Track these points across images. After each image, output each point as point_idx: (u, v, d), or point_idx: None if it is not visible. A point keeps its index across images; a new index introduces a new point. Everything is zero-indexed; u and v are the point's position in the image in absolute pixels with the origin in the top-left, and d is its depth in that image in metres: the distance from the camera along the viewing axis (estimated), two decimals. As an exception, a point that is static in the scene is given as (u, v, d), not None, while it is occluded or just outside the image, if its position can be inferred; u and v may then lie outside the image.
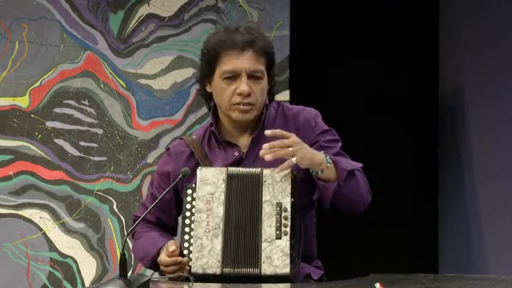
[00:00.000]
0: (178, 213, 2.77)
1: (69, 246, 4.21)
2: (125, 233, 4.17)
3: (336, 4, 4.74)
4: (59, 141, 4.22)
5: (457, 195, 4.54)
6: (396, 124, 4.74)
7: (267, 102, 2.76)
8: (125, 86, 4.27)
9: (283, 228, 2.49)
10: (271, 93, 2.77)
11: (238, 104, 2.66)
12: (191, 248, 2.52)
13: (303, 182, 2.59)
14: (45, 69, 4.23)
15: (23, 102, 4.21)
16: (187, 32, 4.31)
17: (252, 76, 2.66)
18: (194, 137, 2.80)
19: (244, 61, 2.65)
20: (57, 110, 4.23)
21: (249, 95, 2.65)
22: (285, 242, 2.47)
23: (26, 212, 4.19)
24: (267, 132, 2.56)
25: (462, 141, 4.49)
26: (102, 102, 4.26)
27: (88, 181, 4.23)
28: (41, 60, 4.23)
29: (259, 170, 2.56)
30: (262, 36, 2.69)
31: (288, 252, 2.46)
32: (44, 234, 4.20)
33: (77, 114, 4.24)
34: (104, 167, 4.24)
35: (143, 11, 4.30)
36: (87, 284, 4.18)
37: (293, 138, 2.53)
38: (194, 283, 2.39)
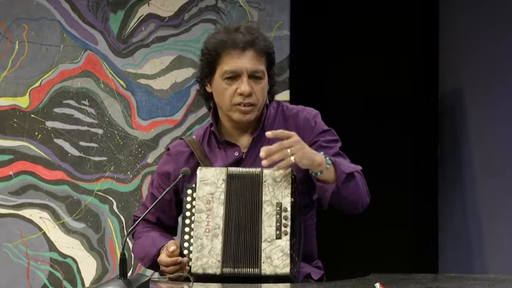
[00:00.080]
0: (178, 213, 2.78)
1: (69, 246, 4.21)
2: (125, 233, 4.17)
3: (336, 4, 4.75)
4: (59, 141, 4.22)
5: (457, 195, 4.54)
6: (396, 124, 4.74)
7: (267, 102, 2.75)
8: (125, 86, 4.27)
9: (283, 228, 2.49)
10: (271, 93, 2.76)
11: (239, 104, 2.65)
12: (191, 248, 2.52)
13: (303, 182, 2.59)
14: (45, 69, 4.23)
15: (23, 102, 4.21)
16: (187, 32, 4.31)
17: (253, 76, 2.66)
18: (194, 137, 2.80)
19: (245, 61, 2.65)
20: (57, 110, 4.23)
21: (249, 95, 2.65)
22: (285, 242, 2.47)
23: (26, 212, 4.19)
24: (268, 133, 2.55)
25: (462, 141, 4.49)
26: (102, 102, 4.26)
27: (88, 181, 4.23)
28: (41, 60, 4.23)
29: (259, 170, 2.56)
30: (262, 36, 2.69)
31: (288, 252, 2.46)
32: (44, 234, 4.20)
33: (77, 114, 4.24)
34: (104, 167, 4.24)
35: (143, 11, 4.30)
36: (87, 284, 4.18)
37: (294, 138, 2.53)
38: (194, 283, 2.39)
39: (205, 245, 2.49)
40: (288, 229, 2.49)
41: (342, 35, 4.72)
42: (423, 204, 4.80)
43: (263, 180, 2.54)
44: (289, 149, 2.50)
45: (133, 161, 4.25)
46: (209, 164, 2.70)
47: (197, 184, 2.57)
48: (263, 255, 2.46)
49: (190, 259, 2.51)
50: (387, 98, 4.73)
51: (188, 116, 4.29)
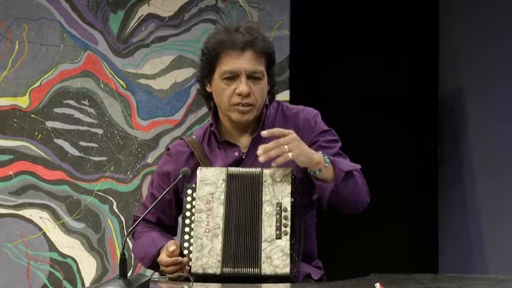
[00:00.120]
0: (178, 213, 2.78)
1: (69, 246, 4.21)
2: (125, 233, 4.17)
3: (336, 4, 4.75)
4: (59, 141, 4.22)
5: (457, 195, 4.54)
6: (396, 124, 4.73)
7: (267, 102, 2.75)
8: (125, 86, 4.27)
9: (283, 228, 2.49)
10: (271, 93, 2.77)
11: (237, 104, 2.65)
12: (191, 248, 2.52)
13: (303, 182, 2.59)
14: (45, 69, 4.23)
15: (23, 102, 4.21)
16: (187, 32, 4.31)
17: (252, 77, 2.66)
18: (194, 137, 2.80)
19: (244, 61, 2.65)
20: (57, 110, 4.23)
21: (248, 95, 2.65)
22: (285, 242, 2.47)
23: (26, 212, 4.19)
24: (264, 133, 2.55)
25: (462, 141, 4.49)
26: (102, 102, 4.26)
27: (88, 181, 4.23)
28: (41, 60, 4.23)
29: (259, 170, 2.56)
30: (262, 37, 2.69)
31: (288, 252, 2.46)
32: (44, 234, 4.20)
33: (77, 114, 4.24)
34: (104, 167, 4.24)
35: (143, 11, 4.30)
36: (87, 284, 4.18)
37: (291, 135, 2.53)
38: (194, 283, 2.39)
39: (205, 245, 2.49)
40: (288, 229, 2.49)
41: (342, 35, 4.72)
42: (423, 204, 4.80)
43: (263, 180, 2.54)
44: (287, 146, 2.50)
45: (133, 161, 4.25)
46: (209, 164, 2.70)
47: (197, 184, 2.57)
48: (263, 255, 2.46)
49: (190, 259, 2.51)
50: (387, 98, 4.73)
51: (188, 116, 4.29)
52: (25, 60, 4.22)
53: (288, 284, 2.47)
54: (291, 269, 2.45)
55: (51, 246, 4.20)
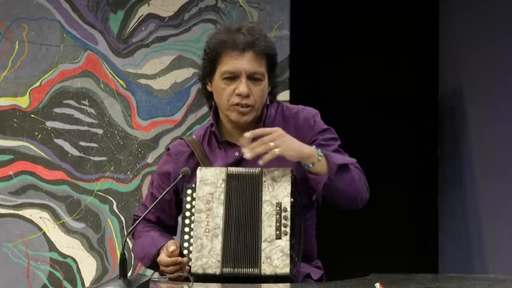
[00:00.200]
0: (178, 212, 2.78)
1: (69, 246, 4.21)
2: (125, 233, 4.17)
3: (336, 4, 4.75)
4: (59, 141, 4.22)
5: (457, 195, 4.54)
6: (396, 124, 4.74)
7: (268, 102, 2.76)
8: (125, 86, 4.27)
9: (283, 228, 2.49)
10: (272, 93, 2.77)
11: (237, 104, 2.65)
12: (191, 248, 2.52)
13: (303, 181, 2.59)
14: (45, 69, 4.23)
15: (23, 102, 4.21)
16: (187, 32, 4.31)
17: (252, 77, 2.66)
18: (194, 137, 2.80)
19: (244, 62, 2.65)
20: (57, 110, 4.23)
21: (247, 96, 2.65)
22: (285, 242, 2.47)
23: (26, 212, 4.19)
24: (246, 134, 2.56)
25: (462, 141, 4.49)
26: (102, 102, 4.26)
27: (88, 181, 4.23)
28: (41, 60, 4.23)
29: (259, 170, 2.56)
30: (264, 38, 2.69)
31: (288, 252, 2.46)
32: (44, 234, 4.20)
33: (77, 114, 4.24)
34: (104, 167, 4.24)
35: (143, 11, 4.30)
36: (87, 284, 4.18)
37: (276, 133, 2.54)
38: (194, 283, 2.39)
39: (205, 245, 2.49)
40: (288, 229, 2.48)
41: (342, 35, 4.72)
42: (423, 204, 4.80)
43: (263, 180, 2.54)
44: (273, 143, 2.50)
45: (133, 161, 4.25)
46: (209, 164, 2.70)
47: (197, 184, 2.57)
48: (263, 255, 2.46)
49: (190, 259, 2.51)
50: (387, 98, 4.73)
51: (188, 116, 4.29)
52: (25, 60, 4.22)
53: (288, 284, 2.47)
54: (290, 269, 2.45)
55: (51, 246, 4.20)
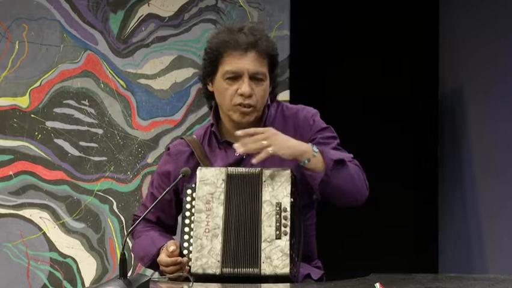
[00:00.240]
0: (178, 212, 2.78)
1: (69, 246, 4.21)
2: (125, 233, 4.17)
3: (336, 4, 4.74)
4: (59, 141, 4.22)
5: (457, 195, 4.54)
6: (396, 124, 4.73)
7: (269, 102, 2.76)
8: (125, 86, 4.27)
9: (283, 228, 2.49)
10: (273, 94, 2.77)
11: (239, 104, 2.65)
12: (191, 248, 2.52)
13: (303, 181, 2.59)
14: (45, 69, 4.23)
15: (23, 102, 4.21)
16: (187, 32, 4.31)
17: (254, 78, 2.66)
18: (194, 136, 2.80)
19: (247, 62, 2.65)
20: (57, 110, 4.23)
21: (250, 96, 2.65)
22: (284, 242, 2.47)
23: (26, 212, 4.19)
24: (238, 132, 2.57)
25: (462, 141, 4.49)
26: (102, 102, 4.26)
27: (88, 181, 4.23)
28: (41, 60, 4.23)
29: (258, 170, 2.56)
30: (266, 38, 2.69)
31: (288, 252, 2.46)
32: (44, 234, 4.20)
33: (77, 114, 4.24)
34: (104, 167, 4.24)
35: (143, 11, 4.30)
36: (87, 284, 4.18)
37: (268, 131, 2.55)
38: (194, 283, 2.39)
39: (204, 245, 2.49)
40: (288, 229, 2.48)
41: (342, 35, 4.72)
42: (423, 204, 4.80)
43: (263, 180, 2.54)
44: (265, 141, 2.51)
45: (133, 161, 4.25)
46: (209, 164, 2.70)
47: (197, 184, 2.57)
48: (263, 255, 2.46)
49: (190, 259, 2.51)
50: (387, 98, 4.73)
51: (188, 116, 4.29)
52: (25, 60, 4.22)
53: (288, 284, 2.47)
54: (290, 269, 2.45)
55: (51, 246, 4.20)
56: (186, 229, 2.56)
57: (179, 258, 2.53)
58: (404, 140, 4.76)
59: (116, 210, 4.23)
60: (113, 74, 4.27)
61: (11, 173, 4.20)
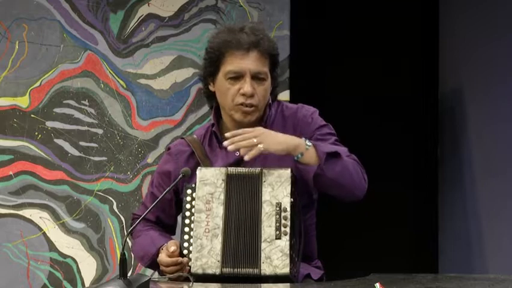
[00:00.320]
0: (177, 212, 2.78)
1: (69, 246, 4.21)
2: (125, 233, 4.17)
3: (336, 4, 4.74)
4: (59, 141, 4.22)
5: (457, 195, 4.54)
6: (396, 124, 4.73)
7: (270, 102, 2.76)
8: (125, 86, 4.27)
9: (282, 228, 2.49)
10: (274, 93, 2.77)
11: (241, 104, 2.66)
12: (191, 248, 2.52)
13: (303, 181, 2.59)
14: (45, 69, 4.23)
15: (23, 102, 4.21)
16: (187, 32, 4.31)
17: (256, 77, 2.66)
18: (195, 136, 2.80)
19: (249, 62, 2.65)
20: (57, 110, 4.23)
21: (252, 96, 2.65)
22: (284, 242, 2.47)
23: (26, 212, 4.19)
24: (227, 134, 2.59)
25: (462, 141, 4.49)
26: (102, 102, 4.26)
27: (88, 181, 4.23)
28: (41, 60, 4.23)
29: (258, 170, 2.56)
30: (267, 38, 2.70)
31: (288, 252, 2.46)
32: (44, 234, 4.20)
33: (77, 114, 4.24)
34: (104, 167, 4.24)
35: (143, 11, 4.30)
36: (87, 284, 4.18)
37: (257, 130, 2.56)
38: (194, 283, 2.39)
39: (204, 245, 2.49)
40: (288, 229, 2.48)
41: (342, 35, 4.72)
42: (423, 204, 4.79)
43: (263, 180, 2.54)
44: (255, 139, 2.52)
45: (133, 161, 4.25)
46: (209, 163, 2.70)
47: (197, 184, 2.57)
48: (263, 255, 2.46)
49: (190, 259, 2.51)
50: (387, 98, 4.73)
51: (188, 116, 4.29)
52: (25, 60, 4.22)
53: (288, 284, 2.47)
54: (290, 269, 2.45)
55: (51, 246, 4.20)
56: (186, 229, 2.56)
57: (180, 259, 2.53)
58: (404, 140, 4.76)
59: (116, 210, 4.23)
60: (113, 74, 4.27)
61: (11, 173, 4.20)
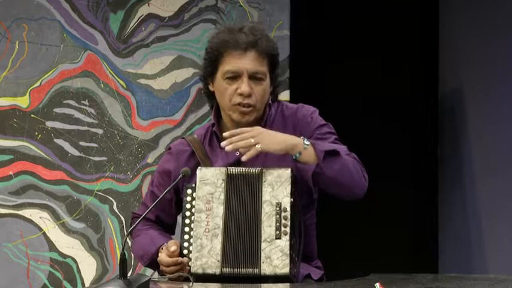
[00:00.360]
0: (178, 211, 2.78)
1: (69, 246, 4.21)
2: (125, 233, 4.17)
3: (336, 4, 4.75)
4: (59, 141, 4.22)
5: (457, 195, 4.54)
6: (396, 124, 4.73)
7: (270, 102, 2.76)
8: (125, 86, 4.27)
9: (282, 228, 2.49)
10: (274, 93, 2.77)
11: (238, 104, 2.66)
12: (191, 248, 2.52)
13: (303, 181, 2.59)
14: (45, 69, 4.23)
15: (23, 102, 4.21)
16: (187, 32, 4.31)
17: (254, 77, 2.66)
18: (195, 136, 2.81)
19: (246, 62, 2.65)
20: (57, 110, 4.23)
21: (249, 95, 2.65)
22: (284, 242, 2.47)
23: (26, 212, 4.19)
24: (225, 134, 2.58)
25: (462, 141, 4.49)
26: (102, 102, 4.26)
27: (88, 181, 4.23)
28: (41, 60, 4.23)
29: (259, 170, 2.56)
30: (266, 38, 2.69)
31: (288, 252, 2.46)
32: (44, 234, 4.20)
33: (77, 114, 4.24)
34: (104, 167, 4.24)
35: (143, 11, 4.30)
36: (87, 284, 4.18)
37: (255, 130, 2.56)
38: (194, 283, 2.39)
39: (204, 244, 2.49)
40: (288, 229, 2.48)
41: (342, 35, 4.72)
42: (423, 204, 4.79)
43: (263, 180, 2.54)
44: (252, 139, 2.52)
45: (133, 161, 4.25)
46: (209, 163, 2.70)
47: (197, 184, 2.57)
48: (263, 255, 2.46)
49: (190, 259, 2.50)
50: (387, 98, 4.73)
51: (188, 116, 4.29)
52: (25, 60, 4.22)
53: (288, 284, 2.47)
54: (290, 269, 2.45)
55: (51, 246, 4.20)
56: (186, 229, 2.56)
57: (180, 259, 2.53)
58: (404, 140, 4.76)
59: (116, 210, 4.23)
60: (113, 74, 4.27)
61: (11, 173, 4.20)
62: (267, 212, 2.50)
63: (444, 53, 4.76)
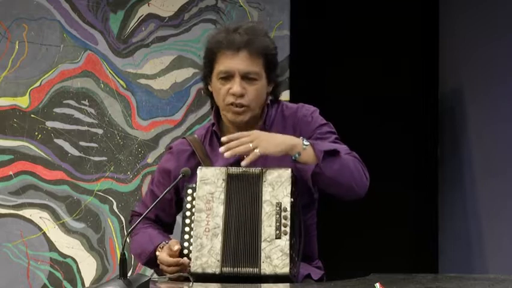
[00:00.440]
0: (177, 211, 2.78)
1: (69, 246, 4.21)
2: (125, 233, 4.17)
3: (336, 4, 4.75)
4: (59, 141, 4.22)
5: (457, 195, 4.54)
6: (396, 124, 4.74)
7: (269, 102, 2.76)
8: (125, 86, 4.28)
9: (283, 228, 2.49)
10: (274, 93, 2.77)
11: (231, 104, 2.66)
12: (191, 248, 2.52)
13: (303, 181, 2.59)
14: (45, 69, 4.23)
15: (23, 102, 4.21)
16: (187, 32, 4.31)
17: (246, 77, 2.66)
18: (196, 136, 2.81)
19: (238, 62, 2.65)
20: (57, 110, 4.23)
21: (241, 96, 2.65)
22: (284, 242, 2.47)
23: (26, 212, 4.19)
24: (223, 139, 2.58)
25: (462, 141, 4.49)
26: (102, 102, 4.26)
27: (88, 181, 4.23)
28: (41, 60, 4.23)
29: (259, 169, 2.56)
30: (261, 37, 2.69)
31: (288, 252, 2.46)
32: (44, 234, 4.20)
33: (77, 114, 4.24)
34: (104, 167, 4.24)
35: (143, 11, 4.30)
36: (87, 284, 4.18)
37: (253, 134, 2.55)
38: (194, 283, 2.39)
39: (204, 244, 2.49)
40: (288, 229, 2.48)
41: (342, 35, 4.72)
42: (423, 204, 4.80)
43: (263, 180, 2.54)
44: (251, 144, 2.52)
45: (133, 161, 4.25)
46: (210, 163, 2.70)
47: (197, 184, 2.57)
48: (263, 254, 2.46)
49: (190, 259, 2.50)
50: (387, 98, 4.73)
51: (188, 116, 4.29)
52: (25, 60, 4.22)
53: (288, 284, 2.47)
54: (290, 268, 2.45)
55: (51, 246, 4.20)
56: (186, 228, 2.56)
57: (182, 259, 2.53)
58: (404, 140, 4.76)
59: (116, 210, 4.24)
60: (113, 74, 4.27)
61: (11, 173, 4.20)
62: (267, 212, 2.50)
63: (444, 53, 4.76)
